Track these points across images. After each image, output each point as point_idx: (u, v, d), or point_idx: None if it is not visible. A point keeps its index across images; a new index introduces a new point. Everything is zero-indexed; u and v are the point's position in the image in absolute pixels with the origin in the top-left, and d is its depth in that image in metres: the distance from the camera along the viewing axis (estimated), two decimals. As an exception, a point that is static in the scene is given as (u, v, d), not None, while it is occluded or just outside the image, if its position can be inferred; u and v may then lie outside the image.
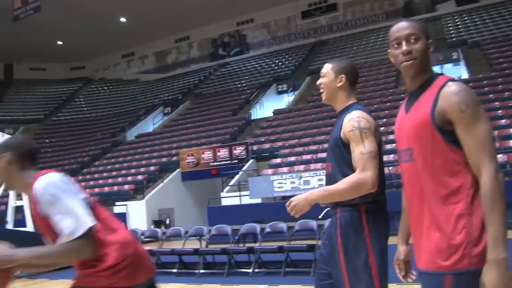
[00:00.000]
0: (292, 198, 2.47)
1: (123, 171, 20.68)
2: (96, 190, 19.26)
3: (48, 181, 2.15)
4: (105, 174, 21.16)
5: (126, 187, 18.51)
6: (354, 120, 2.48)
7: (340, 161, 2.52)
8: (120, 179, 19.78)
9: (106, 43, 33.06)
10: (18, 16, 23.08)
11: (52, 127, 31.30)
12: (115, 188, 18.93)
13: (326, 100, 2.74)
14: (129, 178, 19.49)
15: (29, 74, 36.35)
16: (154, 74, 35.04)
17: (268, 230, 8.61)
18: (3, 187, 9.12)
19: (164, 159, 20.29)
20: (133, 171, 20.27)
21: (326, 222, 3.58)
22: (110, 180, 20.08)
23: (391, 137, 14.96)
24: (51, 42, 32.16)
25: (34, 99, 35.00)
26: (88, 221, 2.11)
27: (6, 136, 12.41)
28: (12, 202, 11.62)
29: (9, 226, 11.33)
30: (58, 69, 36.68)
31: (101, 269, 2.16)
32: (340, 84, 2.66)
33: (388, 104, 17.99)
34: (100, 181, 20.36)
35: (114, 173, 20.96)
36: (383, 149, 2.61)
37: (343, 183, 2.41)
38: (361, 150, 2.41)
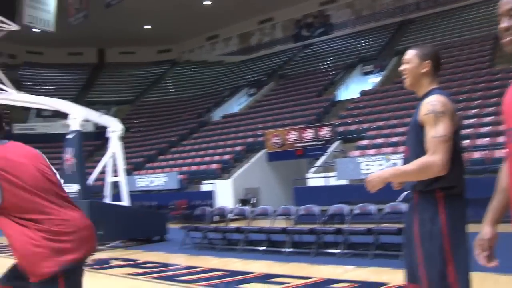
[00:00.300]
0: (369, 175, 2.55)
1: (210, 151, 21.23)
2: (184, 168, 19.96)
3: None
4: (192, 153, 21.84)
5: (214, 166, 19.01)
6: (430, 104, 2.49)
7: (417, 144, 2.53)
8: (207, 159, 20.34)
9: (191, 26, 33.66)
10: (110, 3, 24.22)
11: (142, 108, 32.67)
12: (202, 167, 19.51)
13: (410, 86, 2.75)
14: (216, 158, 19.99)
15: (119, 58, 37.88)
16: (238, 56, 35.37)
17: (357, 211, 8.56)
18: None
19: (250, 139, 20.61)
20: (220, 150, 20.77)
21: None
22: (197, 159, 20.72)
23: (485, 120, 14.31)
24: (140, 26, 33.24)
25: (125, 82, 36.58)
26: None
27: (104, 116, 13.12)
28: (109, 177, 12.33)
29: (107, 200, 12.05)
30: (146, 52, 37.93)
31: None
32: (425, 70, 2.66)
33: (481, 85, 17.08)
34: (188, 160, 21.07)
35: (201, 152, 21.58)
36: (460, 134, 2.56)
37: (412, 164, 2.44)
38: (433, 134, 2.42)
